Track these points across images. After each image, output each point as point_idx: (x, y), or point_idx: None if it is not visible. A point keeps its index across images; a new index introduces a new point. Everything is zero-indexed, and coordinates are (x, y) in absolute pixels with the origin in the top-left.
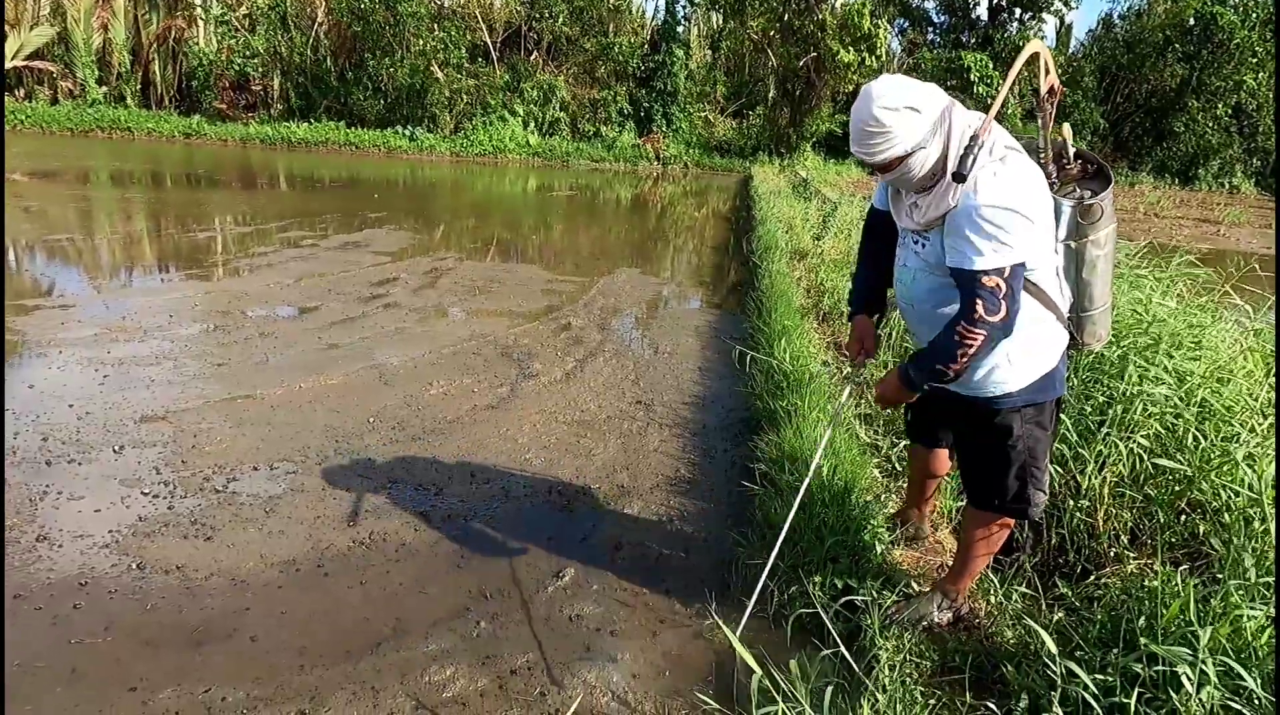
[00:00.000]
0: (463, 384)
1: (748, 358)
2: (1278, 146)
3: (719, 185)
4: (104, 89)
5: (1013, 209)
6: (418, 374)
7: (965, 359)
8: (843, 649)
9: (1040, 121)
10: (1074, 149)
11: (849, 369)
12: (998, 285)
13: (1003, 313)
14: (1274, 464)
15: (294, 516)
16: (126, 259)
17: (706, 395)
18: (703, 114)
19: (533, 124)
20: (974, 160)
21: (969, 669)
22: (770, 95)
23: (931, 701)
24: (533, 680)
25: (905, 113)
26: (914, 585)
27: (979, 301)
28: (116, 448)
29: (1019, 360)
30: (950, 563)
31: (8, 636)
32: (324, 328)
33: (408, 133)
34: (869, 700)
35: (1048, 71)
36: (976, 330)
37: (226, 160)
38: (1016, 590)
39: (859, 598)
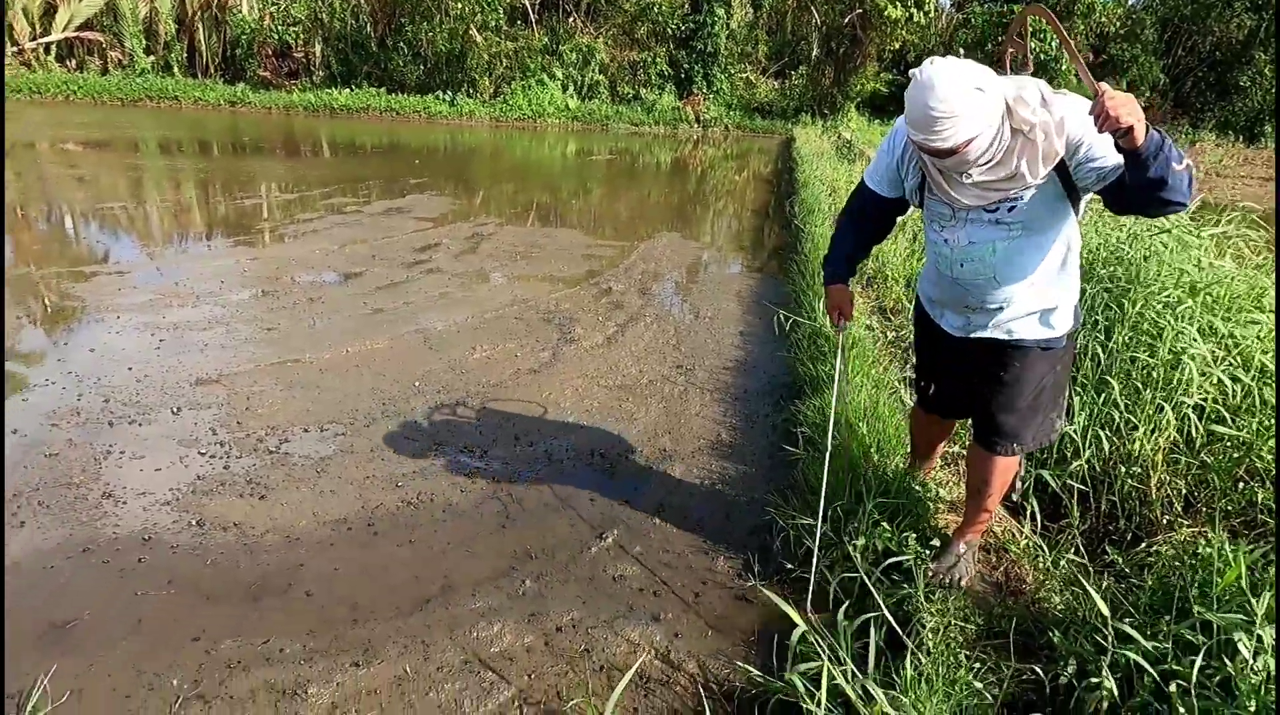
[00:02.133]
0: (505, 348)
1: (789, 322)
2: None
3: (760, 148)
4: (151, 58)
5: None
6: (461, 338)
7: (1181, 169)
8: (885, 611)
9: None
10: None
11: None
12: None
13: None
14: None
15: (344, 477)
16: (177, 226)
17: (748, 360)
18: (744, 75)
19: (572, 87)
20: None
21: (1014, 634)
22: (813, 54)
23: (976, 665)
24: (577, 638)
25: (972, 93)
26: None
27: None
28: (174, 409)
29: (1068, 300)
30: (992, 527)
31: (80, 586)
32: (369, 293)
33: (447, 98)
34: (912, 662)
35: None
36: (1184, 164)
37: (270, 128)
38: (1064, 557)
39: (904, 558)
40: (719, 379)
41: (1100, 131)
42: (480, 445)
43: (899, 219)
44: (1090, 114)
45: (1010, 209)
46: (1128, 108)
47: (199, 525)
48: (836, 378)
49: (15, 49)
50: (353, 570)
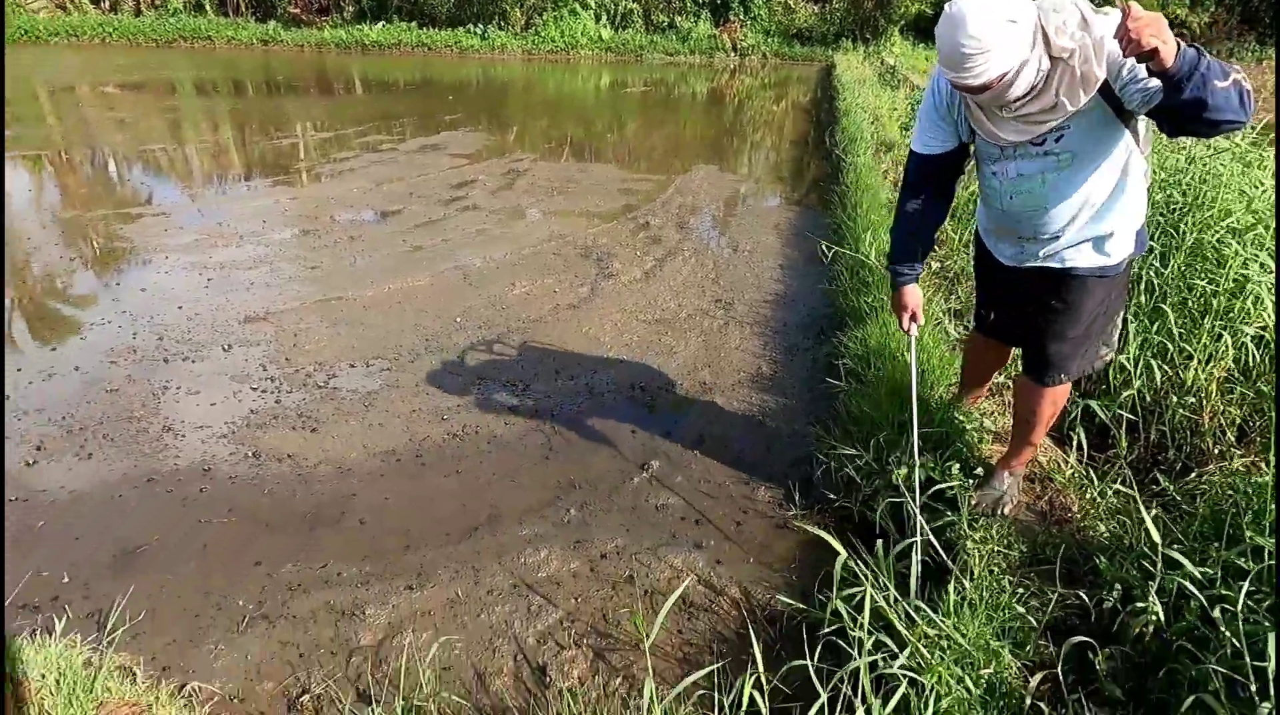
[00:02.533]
0: (544, 284)
1: (831, 254)
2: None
3: (799, 76)
4: None
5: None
6: (500, 275)
7: (1227, 85)
8: (930, 536)
9: None
10: None
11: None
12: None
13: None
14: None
15: (391, 410)
16: (217, 167)
17: (788, 293)
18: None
19: (605, 17)
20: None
21: (1059, 561)
22: None
23: (1019, 590)
24: (621, 564)
25: (1004, 26)
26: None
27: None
28: (225, 346)
29: (1127, 226)
30: (1037, 457)
31: (146, 513)
32: (408, 231)
33: (479, 31)
34: (955, 586)
35: None
36: (1231, 80)
37: (303, 66)
38: (1112, 487)
39: (949, 485)
40: (758, 312)
41: (1125, 56)
42: (522, 379)
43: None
44: (1114, 37)
45: (1058, 139)
46: (1153, 28)
47: (254, 457)
48: (913, 381)
49: None
50: (403, 500)
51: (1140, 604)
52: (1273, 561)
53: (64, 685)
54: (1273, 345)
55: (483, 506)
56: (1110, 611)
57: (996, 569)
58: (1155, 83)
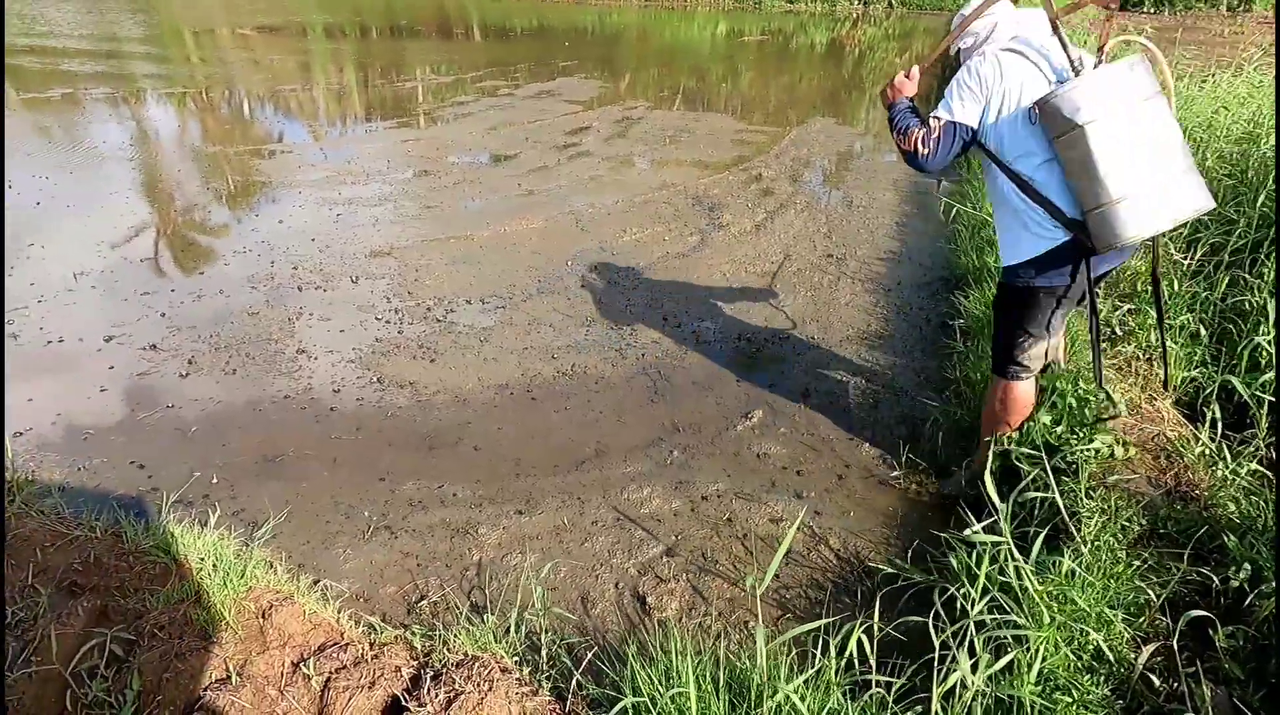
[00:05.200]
0: (654, 232)
1: (952, 212)
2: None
3: (926, 26)
4: None
5: (961, 81)
6: (611, 221)
7: (895, 135)
8: (1056, 495)
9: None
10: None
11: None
12: (932, 127)
13: (925, 148)
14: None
15: (504, 346)
16: (344, 108)
17: (902, 251)
18: None
19: None
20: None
21: (1181, 537)
22: None
23: (1136, 562)
24: (721, 506)
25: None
26: (1125, 448)
27: (925, 129)
28: (353, 278)
29: (1000, 237)
30: (1165, 432)
31: (284, 426)
32: (523, 175)
33: None
34: (1070, 552)
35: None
36: (908, 138)
37: (425, 10)
38: (1247, 466)
39: (1074, 451)
40: (871, 269)
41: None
42: (630, 323)
43: None
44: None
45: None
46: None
47: (379, 382)
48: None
49: None
50: (514, 430)
51: (1270, 585)
52: None
53: (220, 569)
54: None
55: (589, 442)
56: (1236, 591)
57: (1114, 540)
58: None
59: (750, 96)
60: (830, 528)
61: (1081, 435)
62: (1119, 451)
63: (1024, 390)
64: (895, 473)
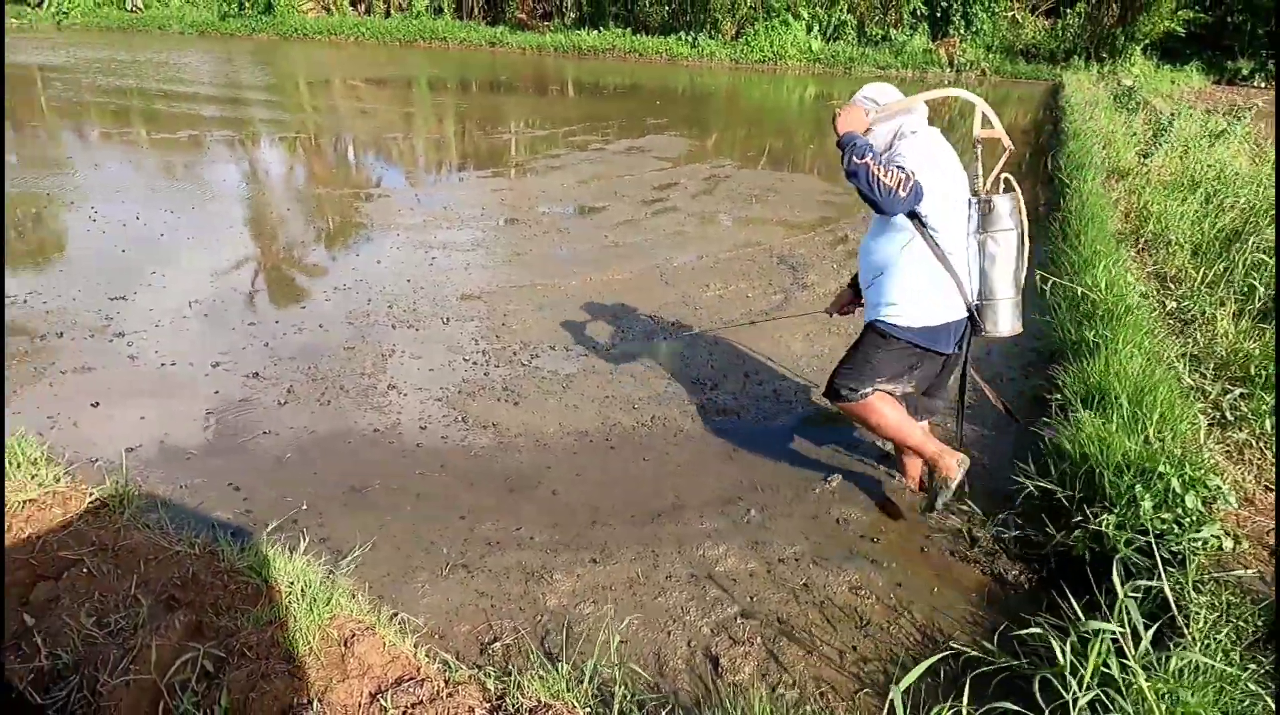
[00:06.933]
0: (738, 288)
1: (1048, 284)
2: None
3: (1020, 95)
4: (426, 1)
5: (916, 149)
6: (695, 276)
7: (855, 161)
8: (1166, 587)
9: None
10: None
11: None
12: (908, 174)
13: (903, 193)
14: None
15: (586, 394)
16: (443, 157)
17: None
18: (1010, 13)
19: (817, 28)
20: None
21: None
22: None
23: (1252, 666)
24: (799, 571)
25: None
26: (1236, 541)
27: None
28: (444, 319)
29: (902, 295)
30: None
31: (371, 459)
32: (610, 227)
33: (689, 39)
34: (1179, 649)
35: (986, 125)
36: (890, 175)
37: (523, 67)
38: None
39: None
40: None
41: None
42: (711, 378)
43: None
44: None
45: None
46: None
47: (463, 421)
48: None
49: None
50: (593, 478)
51: None
52: None
53: (307, 595)
54: None
55: (666, 494)
56: None
57: (1228, 641)
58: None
59: (838, 158)
60: (912, 601)
61: (1188, 524)
62: (1228, 544)
63: (865, 406)
64: (981, 547)
